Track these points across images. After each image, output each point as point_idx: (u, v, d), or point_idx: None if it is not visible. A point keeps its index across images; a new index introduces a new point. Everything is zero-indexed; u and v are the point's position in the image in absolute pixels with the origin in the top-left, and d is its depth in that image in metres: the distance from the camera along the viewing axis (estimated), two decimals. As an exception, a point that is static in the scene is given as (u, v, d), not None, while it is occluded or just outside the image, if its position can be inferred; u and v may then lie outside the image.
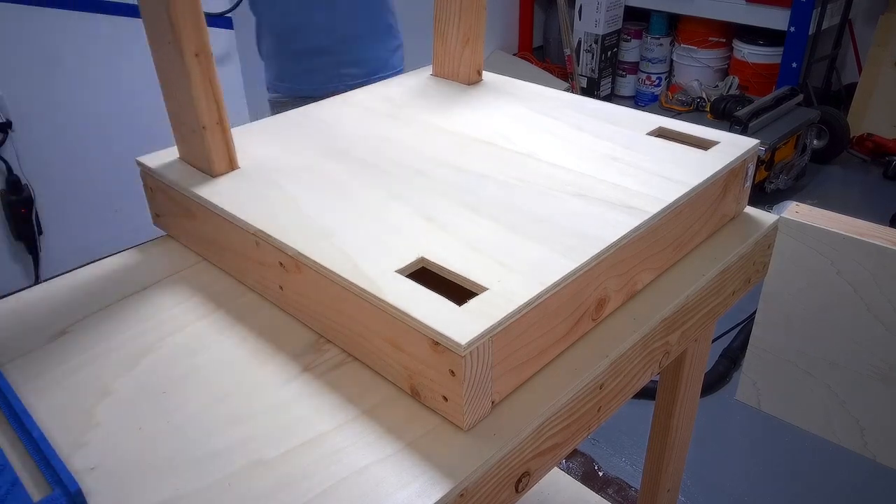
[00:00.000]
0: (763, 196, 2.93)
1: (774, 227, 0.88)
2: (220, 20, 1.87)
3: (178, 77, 0.74)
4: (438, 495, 0.52)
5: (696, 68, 3.24)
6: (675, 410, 0.98)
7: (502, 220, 0.69)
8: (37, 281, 1.82)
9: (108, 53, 1.74)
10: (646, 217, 0.69)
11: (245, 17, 1.92)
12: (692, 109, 2.94)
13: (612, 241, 0.65)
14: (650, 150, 0.83)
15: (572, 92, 2.63)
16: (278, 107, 1.66)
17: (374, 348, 0.63)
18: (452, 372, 0.55)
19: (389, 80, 1.08)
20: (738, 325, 2.17)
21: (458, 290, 0.61)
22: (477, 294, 0.59)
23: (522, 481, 0.60)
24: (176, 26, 0.70)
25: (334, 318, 0.66)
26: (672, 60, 3.29)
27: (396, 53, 1.73)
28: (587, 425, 0.66)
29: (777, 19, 2.56)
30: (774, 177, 2.92)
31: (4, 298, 0.76)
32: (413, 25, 1.99)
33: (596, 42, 2.91)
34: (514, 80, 1.07)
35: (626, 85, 3.06)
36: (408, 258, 0.64)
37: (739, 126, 2.65)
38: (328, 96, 1.00)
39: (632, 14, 2.94)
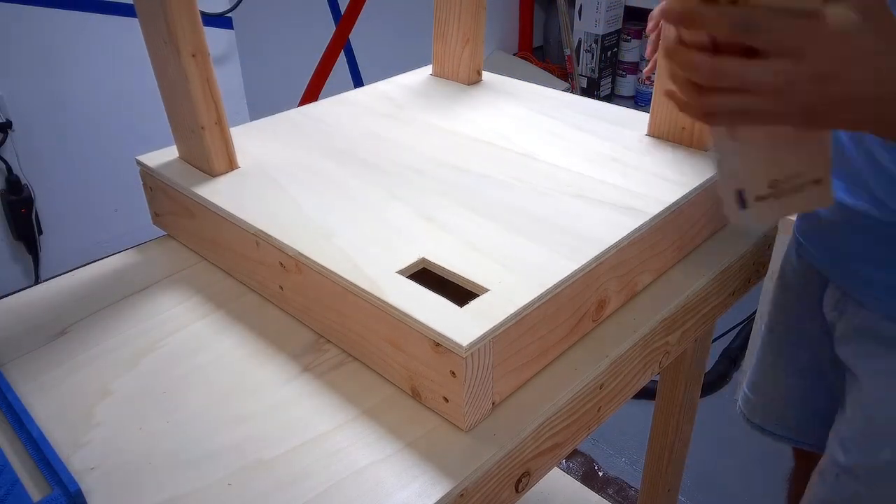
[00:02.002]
0: (763, 196, 2.92)
1: (774, 227, 0.88)
2: (220, 20, 1.87)
3: (176, 78, 0.74)
4: (438, 495, 0.52)
5: (696, 68, 3.21)
6: (675, 410, 0.98)
7: (503, 220, 0.69)
8: (37, 281, 1.82)
9: (109, 53, 1.74)
10: (646, 218, 0.69)
11: (245, 17, 1.92)
12: (692, 109, 2.92)
13: (612, 243, 0.65)
14: (650, 150, 0.83)
15: (572, 92, 2.63)
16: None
17: (374, 349, 0.63)
18: (453, 373, 0.55)
19: (389, 79, 1.08)
20: (738, 325, 2.17)
21: (458, 291, 0.61)
22: (478, 295, 0.59)
23: (522, 481, 0.60)
24: (172, 27, 0.70)
25: (334, 318, 0.66)
26: (672, 60, 3.24)
27: None
28: (587, 425, 0.66)
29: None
30: (774, 177, 2.92)
31: (4, 298, 0.76)
32: (413, 25, 2.00)
33: (596, 42, 2.91)
34: (514, 80, 1.07)
35: (626, 85, 3.06)
36: (408, 259, 0.64)
37: (739, 126, 2.65)
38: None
39: (632, 14, 2.94)
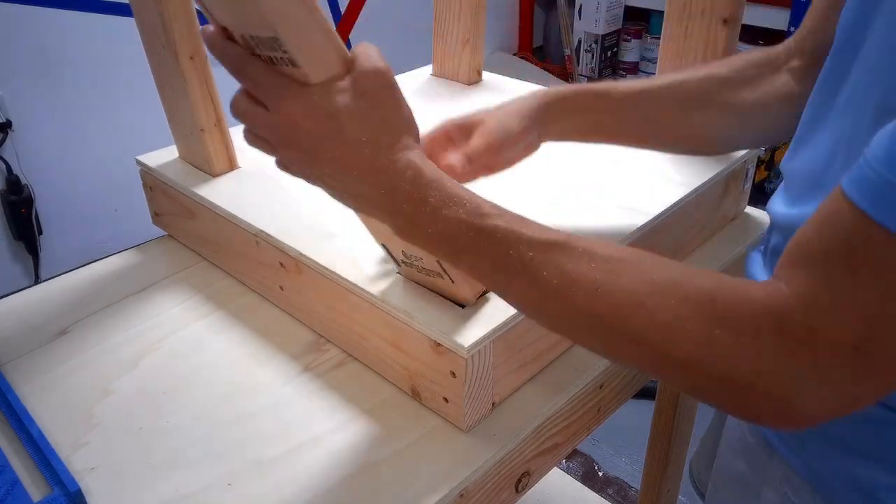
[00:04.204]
0: (763, 196, 2.92)
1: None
2: (220, 20, 1.86)
3: (174, 80, 0.74)
4: (438, 495, 0.52)
5: (696, 68, 3.19)
6: (675, 410, 0.98)
7: (502, 220, 0.69)
8: (37, 281, 1.82)
9: (109, 53, 1.73)
10: (647, 219, 0.69)
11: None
12: (692, 109, 2.91)
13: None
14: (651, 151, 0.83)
15: (572, 92, 2.62)
16: None
17: (374, 349, 0.63)
18: (453, 373, 0.55)
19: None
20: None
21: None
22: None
23: (522, 481, 0.60)
24: (169, 30, 0.70)
25: (334, 318, 0.66)
26: (672, 60, 3.22)
27: None
28: (587, 425, 0.66)
29: (777, 19, 2.56)
30: (774, 177, 2.92)
31: (4, 298, 0.76)
32: (413, 25, 1.99)
33: (596, 42, 2.90)
34: (514, 80, 1.07)
35: (626, 85, 3.06)
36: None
37: (739, 126, 2.65)
38: None
39: (632, 14, 2.93)
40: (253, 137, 0.48)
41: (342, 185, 0.47)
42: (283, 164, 0.49)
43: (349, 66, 0.45)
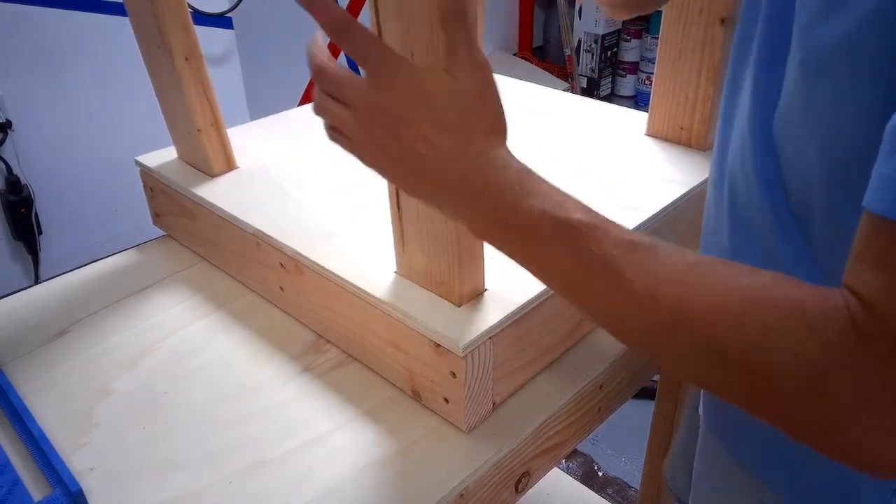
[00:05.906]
0: (763, 196, 2.91)
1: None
2: (220, 20, 1.86)
3: (170, 81, 0.74)
4: (438, 495, 0.52)
5: (696, 68, 3.19)
6: (675, 411, 0.98)
7: (502, 220, 0.69)
8: (37, 281, 1.81)
9: (109, 53, 1.73)
10: (645, 218, 0.69)
11: (245, 17, 1.92)
12: (692, 109, 2.90)
13: (611, 242, 0.65)
14: (650, 150, 0.83)
15: (572, 92, 2.62)
16: None
17: (374, 349, 0.63)
18: (453, 374, 0.55)
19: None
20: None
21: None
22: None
23: (522, 481, 0.60)
24: (163, 30, 0.70)
25: (334, 318, 0.66)
26: (672, 60, 3.22)
27: None
28: (587, 425, 0.66)
29: (777, 19, 2.56)
30: (774, 177, 2.91)
31: (4, 298, 0.76)
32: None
33: (596, 42, 2.91)
34: (513, 79, 1.07)
35: (626, 85, 3.05)
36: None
37: (739, 126, 2.65)
38: None
39: (632, 14, 2.94)
40: (329, 104, 0.45)
41: (420, 171, 0.44)
42: (358, 142, 0.45)
43: (452, 54, 0.44)
